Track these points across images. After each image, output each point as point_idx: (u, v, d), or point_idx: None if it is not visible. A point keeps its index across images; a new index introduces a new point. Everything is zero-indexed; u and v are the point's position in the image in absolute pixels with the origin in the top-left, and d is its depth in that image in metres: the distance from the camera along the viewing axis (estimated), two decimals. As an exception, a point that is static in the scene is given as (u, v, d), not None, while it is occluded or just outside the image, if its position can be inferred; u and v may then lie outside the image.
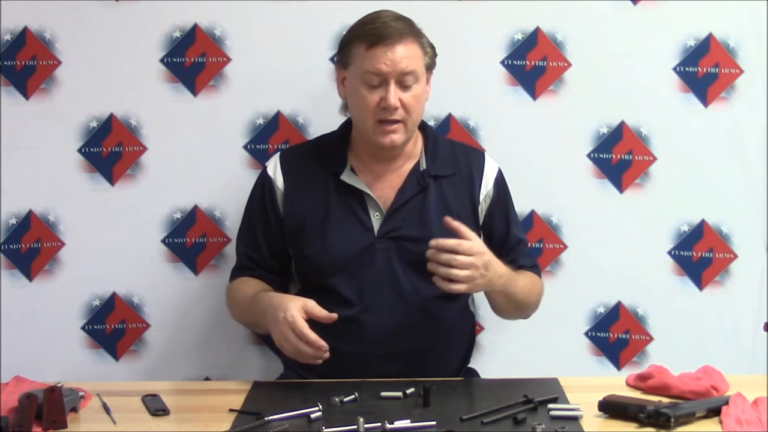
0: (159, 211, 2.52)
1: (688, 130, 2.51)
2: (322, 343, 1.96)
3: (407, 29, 2.14)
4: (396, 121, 2.13)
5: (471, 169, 2.25)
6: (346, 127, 2.27)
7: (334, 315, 2.01)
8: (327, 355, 1.98)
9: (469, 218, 2.21)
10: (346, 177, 2.20)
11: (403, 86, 2.13)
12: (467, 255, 1.99)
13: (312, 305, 2.00)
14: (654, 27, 2.48)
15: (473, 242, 2.02)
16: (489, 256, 2.04)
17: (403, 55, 2.12)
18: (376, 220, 2.18)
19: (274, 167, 2.26)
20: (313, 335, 1.96)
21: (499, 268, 2.08)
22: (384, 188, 2.20)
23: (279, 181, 2.24)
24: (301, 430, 1.76)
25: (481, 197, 2.24)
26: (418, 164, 2.22)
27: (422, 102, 2.18)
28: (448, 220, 2.03)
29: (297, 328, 1.96)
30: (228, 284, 2.31)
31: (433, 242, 2.00)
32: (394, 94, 2.11)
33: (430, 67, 2.21)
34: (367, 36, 2.13)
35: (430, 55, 2.20)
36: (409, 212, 2.18)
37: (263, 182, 2.26)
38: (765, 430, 1.74)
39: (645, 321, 2.56)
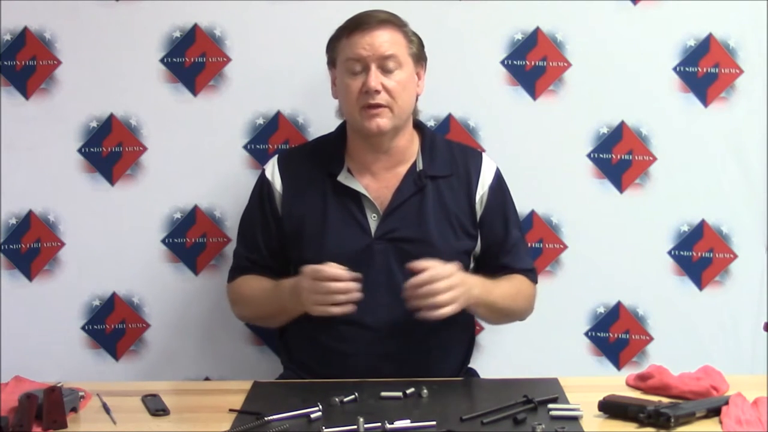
0: (159, 211, 2.52)
1: (688, 130, 2.51)
2: (343, 271, 1.99)
3: (388, 17, 2.17)
4: (380, 106, 2.13)
5: (468, 169, 2.24)
6: (343, 129, 2.27)
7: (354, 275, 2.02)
8: (358, 293, 2.00)
9: (466, 218, 2.21)
10: (343, 178, 2.19)
11: (386, 71, 2.13)
12: (445, 278, 2.00)
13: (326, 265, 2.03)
14: (654, 27, 2.48)
15: (444, 266, 2.02)
16: (460, 272, 2.05)
17: (383, 39, 2.13)
18: (373, 221, 2.18)
19: (272, 169, 2.26)
20: (331, 269, 2.00)
21: (470, 279, 2.10)
22: (381, 189, 2.20)
23: (277, 183, 2.24)
24: (301, 430, 1.76)
25: (478, 197, 2.23)
26: (414, 165, 2.22)
27: (409, 90, 2.18)
28: (412, 265, 2.02)
29: (317, 272, 2.00)
30: (228, 284, 2.31)
31: (409, 284, 2.01)
32: (375, 78, 2.12)
33: (418, 58, 2.21)
34: (347, 27, 2.17)
35: (416, 44, 2.20)
36: (406, 213, 2.18)
37: (261, 184, 2.27)
38: (765, 430, 1.74)
39: (645, 321, 2.56)
